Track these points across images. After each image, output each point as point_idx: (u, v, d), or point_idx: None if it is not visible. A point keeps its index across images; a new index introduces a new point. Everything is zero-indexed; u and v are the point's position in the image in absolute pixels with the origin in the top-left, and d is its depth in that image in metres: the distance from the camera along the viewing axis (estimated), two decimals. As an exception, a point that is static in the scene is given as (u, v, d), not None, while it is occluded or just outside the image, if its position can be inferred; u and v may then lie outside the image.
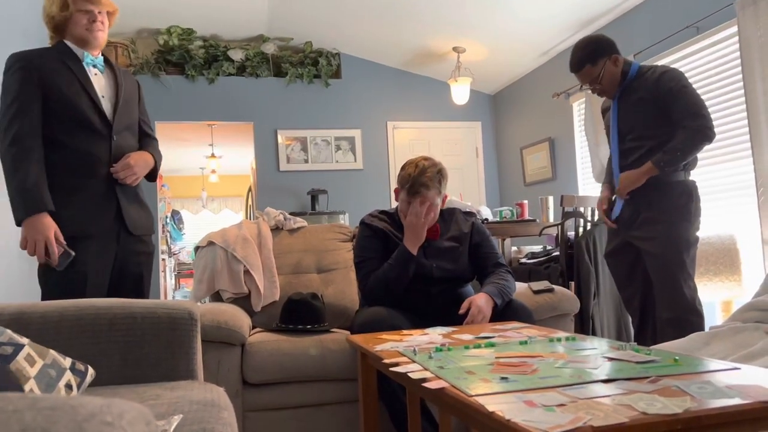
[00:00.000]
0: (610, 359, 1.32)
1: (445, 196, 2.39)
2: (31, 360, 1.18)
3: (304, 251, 2.87)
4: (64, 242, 1.92)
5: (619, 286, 2.83)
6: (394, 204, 2.49)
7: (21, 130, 1.92)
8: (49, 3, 2.05)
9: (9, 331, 1.21)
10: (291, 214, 3.11)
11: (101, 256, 2.04)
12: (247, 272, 2.64)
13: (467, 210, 2.64)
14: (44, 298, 1.97)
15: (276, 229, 2.94)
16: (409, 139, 6.33)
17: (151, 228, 2.25)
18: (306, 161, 6.07)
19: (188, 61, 5.70)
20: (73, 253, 1.93)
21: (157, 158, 2.28)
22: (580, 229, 3.48)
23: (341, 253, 2.88)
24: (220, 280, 2.62)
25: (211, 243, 2.74)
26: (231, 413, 1.30)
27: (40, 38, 2.22)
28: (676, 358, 1.30)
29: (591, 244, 3.35)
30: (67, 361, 1.27)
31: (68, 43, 2.07)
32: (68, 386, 1.23)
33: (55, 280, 1.96)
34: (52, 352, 1.25)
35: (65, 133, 1.99)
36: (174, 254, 8.55)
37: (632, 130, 2.61)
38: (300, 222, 3.01)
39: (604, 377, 1.16)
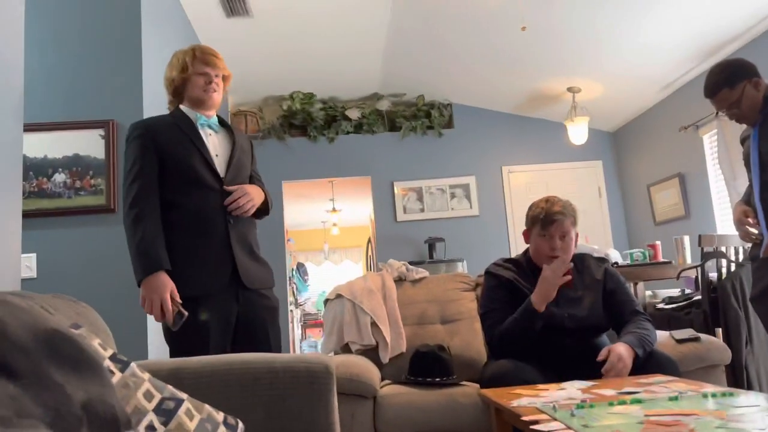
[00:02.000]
0: (779, 419, 1.20)
1: (577, 234, 2.32)
2: (190, 414, 1.27)
3: (428, 302, 2.87)
4: (180, 301, 1.95)
5: None
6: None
7: (140, 192, 2.01)
8: (170, 68, 2.18)
9: (170, 387, 1.32)
10: (409, 263, 3.14)
11: (222, 314, 2.04)
12: (374, 324, 2.69)
13: (597, 255, 2.53)
14: (172, 356, 2.02)
15: (399, 280, 2.98)
16: (525, 183, 6.24)
17: (269, 281, 2.23)
18: (422, 210, 6.15)
19: (310, 123, 6.06)
20: (186, 314, 1.94)
21: (266, 193, 2.27)
22: (723, 270, 3.21)
23: (464, 303, 2.85)
24: (348, 332, 2.69)
25: (339, 296, 2.83)
26: (371, 468, 1.32)
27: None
28: None
29: (738, 287, 3.08)
30: (220, 416, 1.36)
31: (183, 108, 2.18)
32: (222, 439, 1.30)
33: (178, 341, 2.00)
34: (207, 406, 1.34)
35: (180, 192, 2.06)
36: (300, 305, 8.89)
37: None
38: (422, 272, 3.03)
39: (774, 440, 1.05)
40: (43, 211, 2.85)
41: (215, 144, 2.18)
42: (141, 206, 2.00)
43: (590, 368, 2.00)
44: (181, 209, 2.06)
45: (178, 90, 2.18)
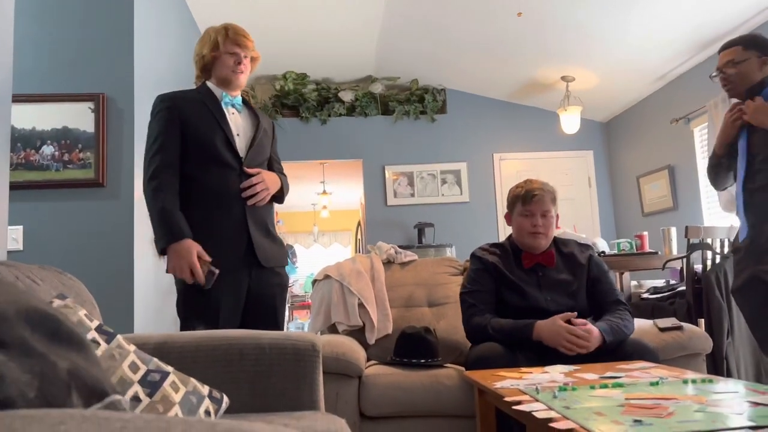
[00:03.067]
0: (755, 404, 1.22)
1: (557, 216, 2.37)
2: (175, 387, 1.28)
3: (415, 285, 2.89)
4: (209, 259, 2.01)
5: (750, 325, 2.53)
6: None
7: (160, 166, 2.06)
8: (201, 44, 2.23)
9: (156, 360, 1.32)
10: (398, 247, 3.15)
11: (233, 290, 2.09)
12: (361, 305, 2.70)
13: (583, 242, 2.55)
14: (182, 315, 2.10)
15: (387, 263, 3.00)
16: (516, 170, 6.25)
17: (284, 260, 2.30)
18: (412, 195, 6.15)
19: (302, 103, 6.02)
20: (217, 271, 2.01)
21: (284, 182, 2.35)
22: (708, 262, 3.25)
23: (452, 287, 2.87)
24: (336, 312, 2.70)
25: (327, 276, 2.83)
26: (354, 445, 1.33)
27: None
28: (836, 405, 1.17)
29: (722, 278, 3.12)
30: (205, 389, 1.36)
31: (210, 84, 2.23)
32: (207, 413, 1.31)
33: (189, 313, 2.07)
34: (192, 380, 1.35)
35: (200, 169, 2.10)
36: (288, 287, 8.90)
37: (763, 150, 2.41)
38: (411, 256, 3.04)
39: (750, 424, 1.07)
40: (31, 183, 2.82)
41: (237, 123, 2.22)
42: (161, 179, 2.05)
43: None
44: (200, 184, 2.11)
45: (207, 67, 2.22)
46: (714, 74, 2.54)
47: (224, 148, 2.13)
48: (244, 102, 2.30)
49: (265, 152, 2.30)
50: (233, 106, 2.23)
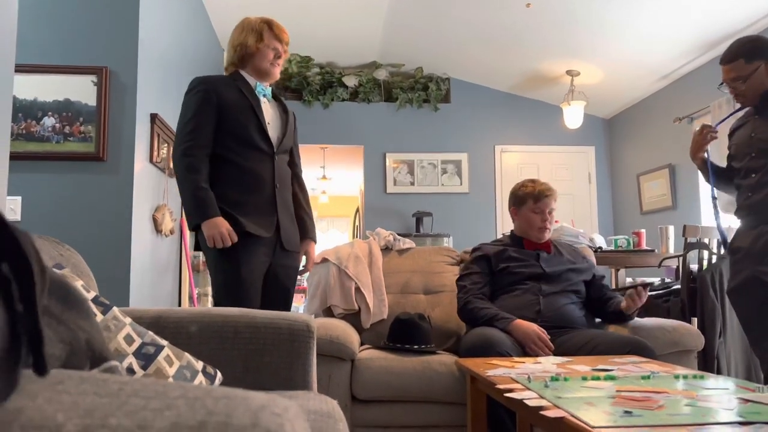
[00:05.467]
0: (746, 401, 1.23)
1: None
2: (169, 361, 1.28)
3: (412, 272, 2.90)
4: (235, 239, 2.17)
5: (745, 326, 2.51)
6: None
7: (194, 144, 2.16)
8: (243, 34, 2.30)
9: (151, 333, 1.33)
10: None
11: (259, 258, 2.20)
12: (357, 289, 2.71)
13: (583, 239, 2.65)
14: (214, 283, 2.21)
15: (385, 249, 3.00)
16: (517, 163, 6.24)
17: (300, 245, 2.43)
18: (412, 184, 6.14)
19: (305, 87, 5.99)
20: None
21: (309, 212, 2.53)
22: (704, 262, 3.25)
23: (448, 276, 2.88)
24: (332, 295, 2.71)
25: (324, 260, 2.84)
26: (345, 426, 1.34)
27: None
28: (824, 405, 1.18)
29: (717, 278, 3.13)
30: (199, 364, 1.37)
31: (244, 73, 2.32)
32: (200, 387, 1.32)
33: (222, 269, 2.18)
34: (186, 354, 1.35)
35: (234, 152, 2.21)
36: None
37: (758, 148, 2.39)
38: (409, 243, 3.05)
39: (739, 419, 1.08)
40: (30, 154, 2.81)
41: (268, 112, 2.34)
42: (194, 158, 2.15)
43: (565, 322, 2.27)
44: (234, 166, 2.21)
45: (245, 57, 2.30)
46: (721, 86, 2.50)
47: (258, 134, 2.24)
48: (273, 93, 2.41)
49: (291, 141, 2.42)
50: (264, 95, 2.34)
